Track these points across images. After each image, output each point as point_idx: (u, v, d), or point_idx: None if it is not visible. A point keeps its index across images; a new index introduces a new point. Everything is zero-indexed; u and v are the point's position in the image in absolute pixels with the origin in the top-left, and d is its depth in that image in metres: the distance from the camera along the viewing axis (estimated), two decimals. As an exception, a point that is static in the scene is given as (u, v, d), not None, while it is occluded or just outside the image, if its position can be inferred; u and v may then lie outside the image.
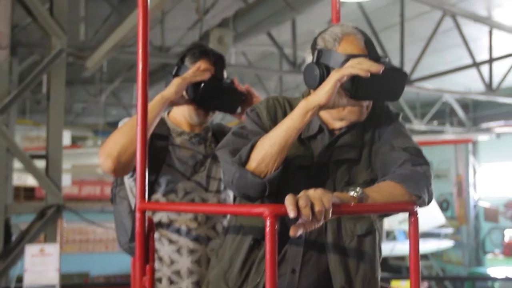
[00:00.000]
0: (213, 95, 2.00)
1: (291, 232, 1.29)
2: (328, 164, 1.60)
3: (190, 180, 2.00)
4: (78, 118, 13.66)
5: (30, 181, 7.35)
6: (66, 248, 8.88)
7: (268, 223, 1.24)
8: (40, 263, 3.47)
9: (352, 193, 1.40)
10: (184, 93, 2.01)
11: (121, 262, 9.27)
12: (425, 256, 11.82)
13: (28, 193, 8.68)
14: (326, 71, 1.52)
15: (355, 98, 1.51)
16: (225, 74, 2.09)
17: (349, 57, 1.51)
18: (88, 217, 4.51)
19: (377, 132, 1.66)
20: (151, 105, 1.88)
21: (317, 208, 1.27)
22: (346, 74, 1.44)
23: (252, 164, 1.48)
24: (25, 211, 4.36)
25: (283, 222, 1.52)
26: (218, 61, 2.05)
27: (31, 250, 3.48)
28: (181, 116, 2.08)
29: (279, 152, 1.47)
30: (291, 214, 1.25)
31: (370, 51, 1.56)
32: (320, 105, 1.47)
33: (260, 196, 1.51)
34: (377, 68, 1.43)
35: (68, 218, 4.27)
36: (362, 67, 1.43)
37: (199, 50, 2.06)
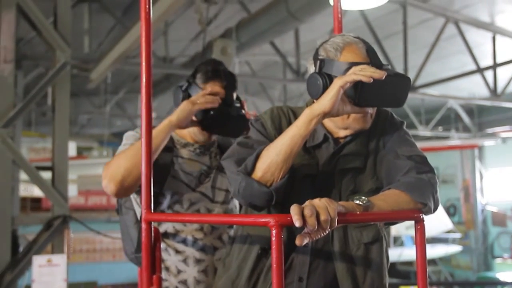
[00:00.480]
0: (221, 121, 2.00)
1: (297, 241, 1.29)
2: (333, 173, 1.61)
3: (195, 191, 2.01)
4: (84, 129, 13.71)
5: (36, 192, 7.37)
6: (74, 257, 8.89)
7: (274, 233, 1.25)
8: (48, 273, 3.47)
9: (357, 201, 1.41)
10: (194, 117, 2.01)
11: (128, 271, 9.27)
12: (433, 261, 11.77)
13: (34, 204, 8.70)
14: (328, 80, 1.53)
15: (358, 105, 1.52)
16: (235, 95, 2.08)
17: (351, 65, 1.52)
18: (94, 227, 4.51)
19: (382, 140, 1.66)
20: (157, 130, 1.89)
21: (322, 217, 1.27)
22: (349, 81, 1.45)
23: (258, 173, 1.48)
24: (32, 222, 4.36)
25: (290, 231, 1.53)
26: (229, 84, 2.04)
27: (38, 261, 3.49)
28: (185, 131, 2.08)
29: (284, 161, 1.47)
30: (297, 223, 1.25)
31: (372, 59, 1.56)
32: (324, 112, 1.48)
33: (267, 205, 1.52)
34: (380, 74, 1.43)
35: (75, 228, 4.27)
36: (364, 73, 1.43)
37: (212, 70, 2.04)
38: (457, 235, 12.06)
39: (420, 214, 1.46)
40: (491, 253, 12.54)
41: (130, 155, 1.88)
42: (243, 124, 2.02)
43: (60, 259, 3.53)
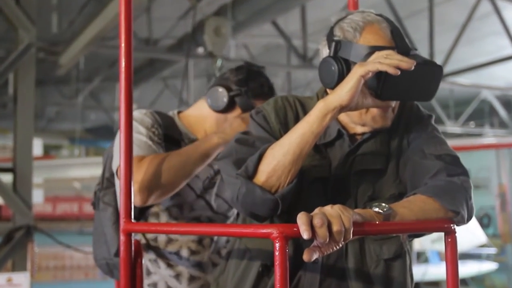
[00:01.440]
0: None
1: (305, 257, 1.28)
2: (348, 176, 1.60)
3: (198, 197, 2.02)
4: (51, 124, 13.72)
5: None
6: (39, 276, 8.88)
7: (277, 246, 1.24)
8: (8, 294, 3.47)
9: (376, 209, 1.40)
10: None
11: (103, 293, 9.29)
12: (464, 282, 11.79)
13: (-7, 212, 8.73)
14: (346, 66, 1.52)
15: (381, 98, 1.51)
16: None
17: (373, 49, 1.51)
18: (64, 240, 4.50)
19: (406, 138, 1.66)
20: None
21: (335, 228, 1.26)
22: (372, 70, 1.43)
23: (261, 177, 1.47)
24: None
25: (297, 244, 1.52)
26: None
27: (-4, 281, 3.48)
28: (199, 125, 2.09)
29: (293, 162, 1.46)
30: (305, 235, 1.24)
31: (398, 43, 1.55)
32: (341, 106, 1.47)
33: (271, 215, 1.52)
34: (408, 64, 1.42)
35: (40, 241, 4.27)
36: (390, 62, 1.42)
37: (267, 85, 2.09)
38: (492, 250, 12.08)
39: (452, 225, 1.45)
40: (532, 272, 12.59)
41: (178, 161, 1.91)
42: None
43: (22, 278, 3.52)
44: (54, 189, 9.55)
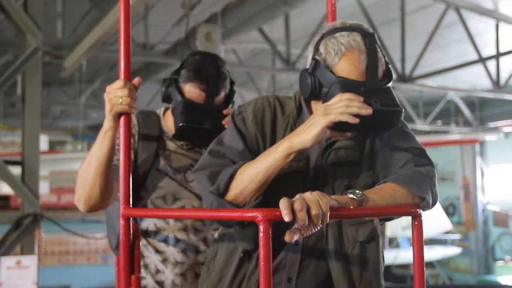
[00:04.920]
0: (192, 132, 1.96)
1: (287, 237, 1.30)
2: (325, 168, 1.61)
3: (180, 187, 2.00)
4: (56, 122, 13.61)
5: (5, 189, 7.31)
6: (45, 260, 8.83)
7: (261, 228, 1.25)
8: (17, 276, 3.45)
9: (351, 195, 1.42)
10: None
11: (104, 275, 9.24)
12: (431, 264, 11.86)
13: (2, 202, 8.65)
14: (318, 85, 1.55)
15: (339, 132, 1.54)
16: (221, 97, 1.99)
17: (343, 83, 1.50)
18: (68, 227, 4.49)
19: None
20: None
21: (313, 211, 1.28)
22: (334, 121, 1.46)
23: (231, 194, 1.52)
24: (-1, 220, 4.33)
25: (278, 228, 1.53)
26: (211, 88, 1.95)
27: (6, 263, 3.46)
28: (172, 124, 2.05)
29: (258, 189, 1.51)
30: (286, 218, 1.26)
31: (369, 78, 1.53)
32: (304, 148, 1.51)
33: (240, 225, 1.56)
34: (367, 111, 1.45)
35: (46, 228, 4.24)
36: (351, 110, 1.45)
37: (194, 69, 1.96)
38: (456, 236, 12.15)
39: (418, 209, 1.47)
40: (492, 256, 12.67)
41: (83, 175, 1.89)
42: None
43: (30, 261, 3.51)
44: (59, 181, 9.47)
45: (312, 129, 1.48)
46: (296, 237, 1.31)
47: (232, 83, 2.07)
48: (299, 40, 7.76)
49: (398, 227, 10.17)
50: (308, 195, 1.31)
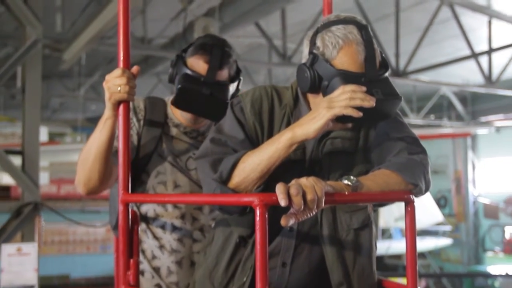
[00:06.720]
0: (192, 100, 1.93)
1: (282, 222, 1.30)
2: (321, 158, 1.61)
3: (181, 174, 2.00)
4: (56, 114, 13.59)
5: (5, 179, 7.29)
6: (45, 249, 8.82)
7: (258, 212, 1.25)
8: (18, 263, 3.45)
9: (346, 181, 1.42)
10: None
11: (103, 264, 9.24)
12: (423, 255, 11.91)
13: (3, 192, 8.61)
14: (317, 78, 1.54)
15: (342, 123, 1.53)
16: (224, 74, 1.98)
17: (343, 77, 1.49)
18: (68, 217, 4.49)
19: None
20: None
21: (309, 196, 1.28)
22: (338, 114, 1.45)
23: (233, 182, 1.51)
24: (0, 209, 4.32)
25: (273, 214, 1.54)
26: (214, 60, 1.94)
27: (7, 250, 3.46)
28: (178, 111, 2.05)
29: (259, 178, 1.51)
30: (282, 202, 1.26)
31: (368, 70, 1.52)
32: (307, 140, 1.50)
33: (239, 213, 1.55)
34: (370, 103, 1.44)
35: (47, 218, 4.24)
36: (355, 103, 1.43)
37: (200, 44, 1.97)
38: (448, 228, 12.21)
39: (411, 195, 1.47)
40: (482, 247, 12.73)
41: (84, 157, 1.90)
42: (219, 108, 1.88)
43: (30, 248, 3.51)
44: (59, 172, 9.46)
45: (316, 121, 1.47)
46: (291, 222, 1.32)
47: (238, 70, 2.06)
48: (296, 35, 7.74)
49: (391, 218, 10.21)
50: (303, 180, 1.31)
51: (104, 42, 7.05)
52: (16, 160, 4.20)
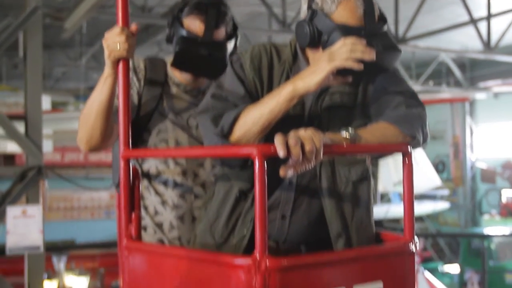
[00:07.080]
0: (189, 59, 1.91)
1: (281, 172, 1.30)
2: (320, 113, 1.60)
3: (182, 132, 1.99)
4: (58, 83, 13.53)
5: (10, 147, 7.31)
6: (50, 215, 8.89)
7: (257, 164, 1.24)
8: (23, 225, 3.48)
9: (344, 133, 1.41)
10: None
11: (107, 229, 9.33)
12: (421, 219, 11.99)
13: (8, 160, 8.66)
14: (317, 33, 1.52)
15: (342, 76, 1.51)
16: (221, 32, 1.95)
17: (343, 30, 1.48)
18: (71, 185, 4.50)
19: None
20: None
21: (307, 147, 1.27)
22: (339, 67, 1.43)
23: (234, 136, 1.51)
24: (5, 174, 4.34)
25: (273, 168, 1.53)
26: (210, 19, 1.90)
27: (12, 212, 3.48)
28: (178, 71, 2.02)
29: (261, 131, 1.50)
30: (281, 153, 1.25)
31: (368, 23, 1.51)
32: (308, 92, 1.48)
33: (240, 166, 1.56)
34: (370, 56, 1.42)
35: (51, 185, 4.26)
36: (355, 55, 1.41)
37: (195, 2, 1.92)
38: (445, 192, 12.27)
39: (408, 147, 1.47)
40: (479, 210, 12.83)
41: (84, 115, 1.91)
42: (218, 67, 1.86)
43: (35, 210, 3.53)
44: (62, 140, 9.48)
45: (317, 75, 1.45)
46: (290, 173, 1.31)
47: (235, 27, 2.04)
48: (295, 3, 7.64)
49: (390, 183, 10.25)
50: (302, 131, 1.30)
51: (104, 11, 6.97)
52: (20, 127, 4.19)
